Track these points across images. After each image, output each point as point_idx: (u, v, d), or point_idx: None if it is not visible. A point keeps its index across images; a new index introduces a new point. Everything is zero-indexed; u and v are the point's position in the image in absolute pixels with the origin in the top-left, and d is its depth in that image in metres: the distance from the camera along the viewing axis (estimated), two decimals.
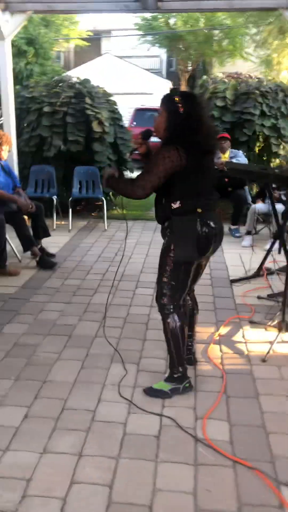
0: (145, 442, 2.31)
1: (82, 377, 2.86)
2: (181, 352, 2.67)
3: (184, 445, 2.30)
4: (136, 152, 2.73)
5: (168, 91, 2.62)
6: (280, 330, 3.32)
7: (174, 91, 2.53)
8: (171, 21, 26.07)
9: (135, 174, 8.40)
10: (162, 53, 30.18)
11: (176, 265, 2.55)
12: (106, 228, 6.60)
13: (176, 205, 2.49)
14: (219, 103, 6.75)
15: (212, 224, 2.55)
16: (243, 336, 3.44)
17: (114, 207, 7.67)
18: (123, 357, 3.06)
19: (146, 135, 2.66)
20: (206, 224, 2.53)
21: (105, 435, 2.35)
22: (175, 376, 2.68)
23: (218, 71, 19.26)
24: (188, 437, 2.35)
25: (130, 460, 2.18)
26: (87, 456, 2.20)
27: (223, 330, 3.54)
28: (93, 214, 7.46)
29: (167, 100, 2.50)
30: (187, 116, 2.43)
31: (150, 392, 2.68)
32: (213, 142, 2.60)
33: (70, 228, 6.45)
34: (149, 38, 26.67)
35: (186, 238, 2.52)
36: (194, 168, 2.45)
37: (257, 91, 6.73)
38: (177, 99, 2.45)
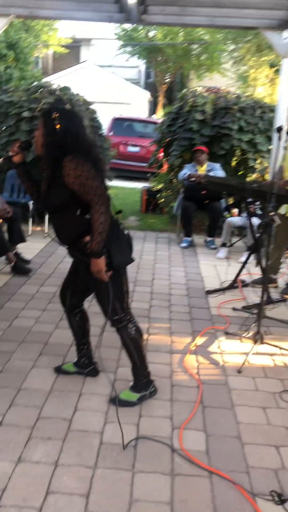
0: (121, 452, 2.30)
1: (58, 386, 2.83)
2: (144, 358, 2.70)
3: (161, 455, 2.30)
4: (8, 157, 2.68)
5: (48, 107, 2.59)
6: (255, 342, 3.37)
7: (52, 107, 2.52)
8: (151, 33, 26.40)
9: (113, 182, 8.36)
10: (141, 64, 30.46)
11: (115, 274, 2.50)
12: None
13: (89, 215, 2.42)
14: (198, 116, 6.85)
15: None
16: (219, 347, 3.48)
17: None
18: (99, 366, 3.04)
19: (26, 146, 2.65)
20: (122, 226, 2.58)
21: (81, 444, 2.33)
22: (140, 384, 2.69)
23: (196, 85, 19.56)
24: (165, 448, 2.35)
25: (106, 470, 2.17)
26: (63, 466, 2.18)
27: (199, 340, 3.57)
28: None
29: (45, 115, 2.46)
30: (64, 134, 2.39)
31: (119, 403, 2.63)
32: (97, 156, 2.51)
33: (46, 234, 6.40)
34: (129, 48, 26.91)
35: (119, 242, 2.51)
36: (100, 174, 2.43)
37: (235, 107, 6.87)
38: (55, 115, 2.41)
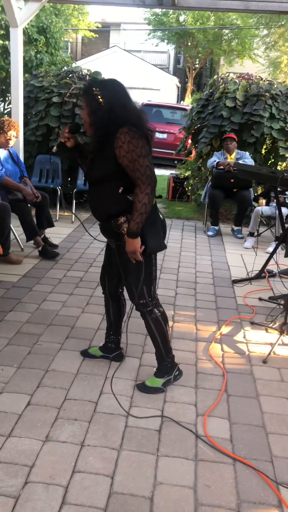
0: (146, 435, 2.33)
1: (84, 369, 2.88)
2: (168, 341, 2.70)
3: (185, 440, 2.32)
4: (61, 144, 2.61)
5: (87, 84, 2.49)
6: (281, 332, 3.35)
7: (92, 83, 2.39)
8: (181, 18, 26.01)
9: None
10: (171, 49, 30.08)
11: (146, 258, 2.49)
12: None
13: (132, 197, 2.38)
14: (229, 103, 6.76)
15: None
16: (244, 337, 3.47)
17: None
18: (126, 351, 3.08)
19: (75, 129, 2.60)
20: (159, 211, 2.55)
21: (107, 426, 2.37)
22: (164, 367, 2.71)
23: (226, 71, 19.23)
24: (188, 433, 2.37)
25: (131, 452, 2.21)
26: (89, 446, 2.23)
27: (225, 329, 3.56)
28: None
29: (86, 92, 2.37)
30: (110, 106, 2.30)
31: (144, 389, 2.69)
32: (147, 127, 2.40)
33: (73, 219, 6.45)
34: (158, 33, 26.59)
35: (154, 228, 2.47)
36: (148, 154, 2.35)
37: (267, 94, 6.73)
38: (95, 90, 2.32)
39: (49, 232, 5.25)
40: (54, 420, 2.39)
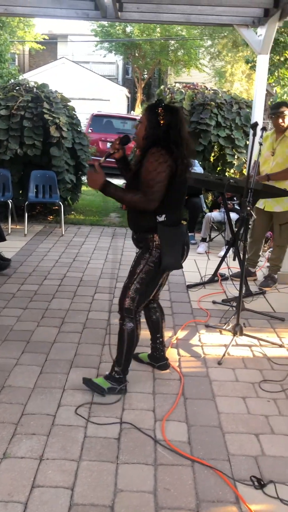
0: (105, 444, 2.34)
1: (41, 382, 2.86)
2: (131, 356, 2.76)
3: (144, 446, 2.35)
4: (109, 158, 2.71)
5: (154, 102, 2.66)
6: (234, 334, 3.45)
7: (158, 102, 2.57)
8: (128, 29, 26.34)
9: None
10: (119, 60, 30.35)
11: (151, 272, 2.62)
12: (63, 233, 6.58)
13: (161, 218, 2.56)
14: None
15: (186, 234, 2.73)
16: (200, 340, 3.55)
17: (72, 212, 7.68)
18: (82, 362, 3.08)
19: (124, 141, 2.69)
20: (187, 234, 2.72)
21: (66, 438, 2.37)
22: (117, 376, 2.75)
23: (174, 81, 19.60)
24: (147, 439, 2.40)
25: (91, 462, 2.21)
26: (48, 460, 2.22)
27: (181, 334, 3.63)
28: (50, 218, 7.42)
29: (150, 110, 2.54)
30: (167, 128, 2.47)
31: (88, 383, 2.74)
32: (191, 157, 2.61)
33: (26, 232, 6.38)
34: (106, 44, 26.80)
35: (174, 248, 2.62)
36: (181, 180, 2.53)
37: (212, 103, 6.94)
38: (160, 110, 2.50)
39: (1, 246, 5.17)
40: (12, 436, 2.36)
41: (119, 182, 3.60)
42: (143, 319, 2.85)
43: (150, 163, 2.44)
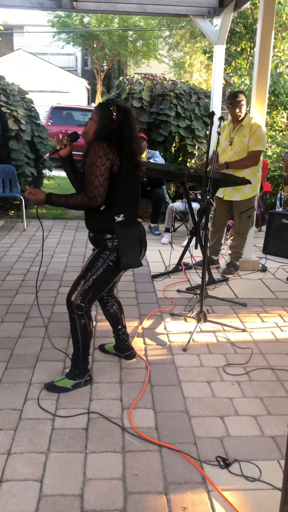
0: (73, 435, 2.36)
1: (7, 378, 2.84)
2: (88, 348, 2.76)
3: (112, 435, 2.38)
4: (54, 154, 2.68)
5: (105, 101, 2.65)
6: (198, 320, 3.51)
7: (109, 100, 2.57)
8: (86, 19, 25.98)
9: (54, 173, 8.27)
10: (77, 51, 29.93)
11: (108, 270, 2.61)
12: (25, 227, 6.49)
13: (119, 218, 2.56)
14: (136, 104, 6.91)
15: (143, 231, 2.75)
16: (165, 328, 3.60)
17: (34, 206, 7.57)
18: (48, 356, 3.08)
19: (73, 137, 2.66)
20: (143, 232, 2.73)
21: (33, 432, 2.37)
22: (77, 371, 2.75)
23: (134, 72, 19.54)
24: (115, 427, 2.43)
25: (59, 454, 2.22)
26: (16, 454, 2.21)
27: (146, 323, 3.67)
28: (11, 213, 7.30)
29: (102, 106, 2.54)
30: (120, 124, 2.48)
31: (51, 388, 2.71)
32: (140, 155, 2.63)
33: None
34: (63, 35, 26.35)
35: (132, 247, 2.63)
36: (133, 177, 2.54)
37: (172, 93, 6.97)
38: (112, 108, 2.50)
39: None
40: None
41: None
42: (99, 311, 2.86)
43: (90, 157, 2.42)
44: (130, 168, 2.52)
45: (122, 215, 2.57)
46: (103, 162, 2.41)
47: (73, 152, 2.68)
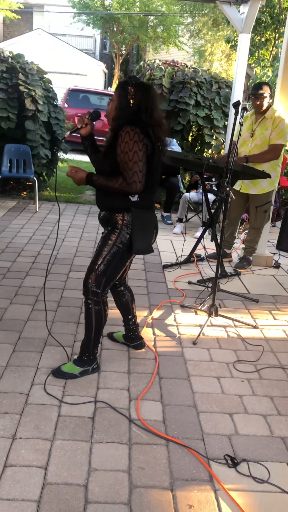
0: (79, 423, 2.32)
1: (14, 361, 2.80)
2: (99, 336, 2.71)
3: (118, 425, 2.34)
4: (75, 133, 2.62)
5: (125, 78, 2.57)
6: (209, 314, 3.45)
7: (130, 80, 2.45)
8: (107, 1, 25.62)
9: (69, 155, 8.18)
10: (97, 34, 29.57)
11: (118, 254, 2.55)
12: (37, 209, 6.44)
13: (134, 198, 2.48)
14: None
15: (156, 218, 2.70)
16: (175, 320, 3.54)
17: (46, 188, 7.52)
18: (57, 340, 3.04)
19: (95, 116, 2.59)
20: (156, 218, 2.67)
21: (39, 417, 2.33)
22: (86, 358, 2.71)
23: (152, 58, 19.27)
24: (122, 418, 2.39)
25: (65, 442, 2.19)
26: (21, 439, 2.18)
27: (156, 313, 3.61)
28: (23, 194, 7.25)
29: (121, 88, 2.43)
30: (138, 109, 2.38)
31: (59, 374, 2.68)
32: (164, 137, 2.48)
33: None
34: (84, 17, 26.01)
35: (146, 232, 2.57)
36: (157, 162, 2.46)
37: (192, 81, 6.84)
38: (131, 89, 2.39)
39: None
40: None
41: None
42: (110, 298, 2.81)
43: (126, 143, 2.33)
44: (159, 155, 2.44)
45: (136, 196, 2.48)
46: (140, 147, 2.34)
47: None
